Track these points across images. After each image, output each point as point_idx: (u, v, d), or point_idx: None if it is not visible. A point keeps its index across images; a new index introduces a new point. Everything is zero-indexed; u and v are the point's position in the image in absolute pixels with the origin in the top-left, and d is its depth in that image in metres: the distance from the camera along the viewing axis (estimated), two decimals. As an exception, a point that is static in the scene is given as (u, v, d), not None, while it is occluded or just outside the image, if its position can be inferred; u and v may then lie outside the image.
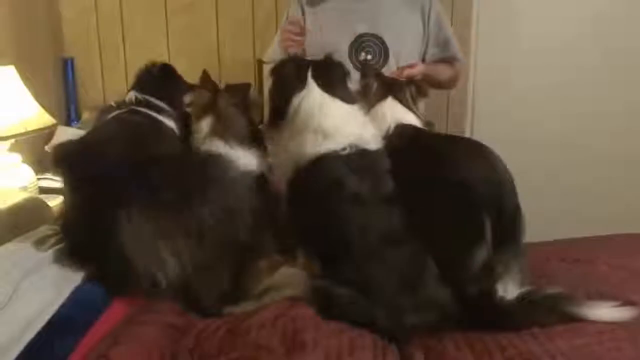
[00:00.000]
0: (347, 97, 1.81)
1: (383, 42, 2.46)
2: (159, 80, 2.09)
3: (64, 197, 1.78)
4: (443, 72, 2.54)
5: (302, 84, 1.77)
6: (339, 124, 1.71)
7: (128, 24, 3.42)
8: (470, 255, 1.56)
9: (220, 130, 1.82)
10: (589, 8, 3.23)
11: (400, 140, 1.81)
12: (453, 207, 1.60)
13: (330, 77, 1.81)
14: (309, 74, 1.78)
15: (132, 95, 2.03)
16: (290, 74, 1.81)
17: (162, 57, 3.37)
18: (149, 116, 1.94)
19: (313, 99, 1.75)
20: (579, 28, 3.24)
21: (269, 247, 1.70)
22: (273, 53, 2.55)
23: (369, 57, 2.44)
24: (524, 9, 3.29)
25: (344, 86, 1.85)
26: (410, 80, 2.15)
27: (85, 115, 3.36)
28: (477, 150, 1.76)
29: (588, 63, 3.25)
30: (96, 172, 1.61)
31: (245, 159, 1.76)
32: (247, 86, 2.08)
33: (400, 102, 1.99)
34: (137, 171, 1.61)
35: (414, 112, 2.02)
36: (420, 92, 2.10)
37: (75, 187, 1.66)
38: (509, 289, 1.55)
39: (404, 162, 1.70)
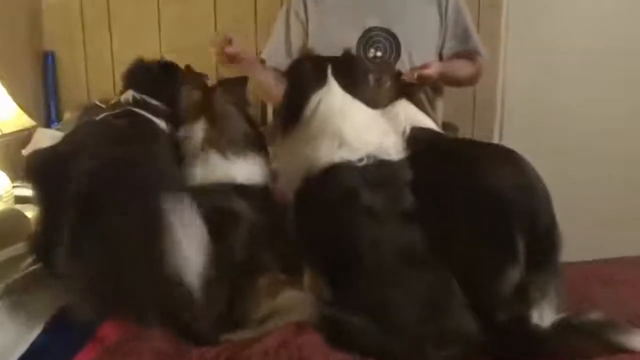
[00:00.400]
0: (369, 99, 1.79)
1: (394, 37, 2.45)
2: (160, 78, 2.04)
3: (38, 212, 1.75)
4: (463, 68, 2.52)
5: (321, 82, 1.76)
6: (359, 130, 1.69)
7: (116, 14, 3.43)
8: (500, 277, 1.54)
9: (216, 137, 1.80)
10: (623, 20, 3.26)
11: (417, 144, 1.80)
12: (479, 220, 1.59)
13: (352, 75, 1.80)
14: (329, 71, 1.77)
15: (129, 94, 1.98)
16: (308, 72, 1.80)
17: (153, 51, 3.39)
18: (145, 120, 1.90)
19: (333, 99, 1.74)
20: (613, 41, 3.26)
21: (270, 266, 1.68)
22: (274, 53, 2.57)
23: (379, 53, 2.44)
24: (555, 16, 3.32)
25: (366, 86, 1.84)
26: (425, 83, 2.14)
27: (67, 115, 3.36)
28: (506, 156, 1.74)
29: (624, 76, 3.28)
30: (71, 187, 1.60)
31: (244, 170, 1.75)
32: (244, 80, 2.04)
33: (416, 105, 1.98)
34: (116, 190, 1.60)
35: (431, 117, 2.01)
36: (436, 92, 2.09)
37: (48, 202, 1.65)
38: (544, 316, 1.53)
39: (422, 170, 1.69)
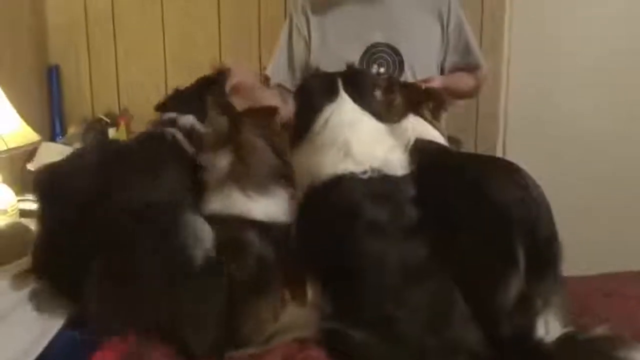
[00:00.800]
0: (377, 112, 1.81)
1: (398, 53, 2.46)
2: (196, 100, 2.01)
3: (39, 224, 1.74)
4: (464, 82, 2.55)
5: (333, 95, 1.77)
6: (365, 143, 1.70)
7: (120, 28, 3.45)
8: (502, 287, 1.53)
9: (241, 173, 1.72)
10: (627, 28, 3.26)
11: (422, 158, 1.80)
12: (480, 231, 1.59)
13: (361, 88, 1.82)
14: (340, 85, 1.78)
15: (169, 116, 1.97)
16: (319, 87, 1.82)
17: (157, 66, 3.42)
18: (172, 144, 1.87)
19: (345, 112, 1.75)
20: (617, 47, 3.26)
21: (275, 287, 1.67)
22: (277, 69, 2.59)
23: (382, 69, 2.45)
24: (559, 31, 3.32)
25: (374, 99, 1.85)
26: (428, 94, 2.15)
27: (72, 129, 3.38)
28: (507, 169, 1.75)
29: (628, 83, 3.27)
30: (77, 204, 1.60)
31: (264, 208, 1.73)
32: (273, 110, 1.93)
33: (422, 117, 1.99)
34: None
35: (437, 128, 2.01)
36: (440, 105, 2.10)
37: (55, 218, 1.66)
38: (550, 328, 1.53)
39: (426, 183, 1.70)
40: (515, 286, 1.53)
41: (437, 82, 2.29)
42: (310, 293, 1.66)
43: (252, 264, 1.63)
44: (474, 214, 1.61)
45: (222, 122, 1.83)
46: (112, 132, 3.29)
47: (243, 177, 1.72)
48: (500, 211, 1.58)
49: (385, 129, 1.80)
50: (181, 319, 1.55)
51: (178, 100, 2.03)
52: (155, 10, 3.40)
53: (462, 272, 1.55)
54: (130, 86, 3.48)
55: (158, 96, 3.38)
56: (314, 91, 1.83)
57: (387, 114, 1.90)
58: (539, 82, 3.30)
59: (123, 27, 3.44)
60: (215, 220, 1.68)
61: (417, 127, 1.94)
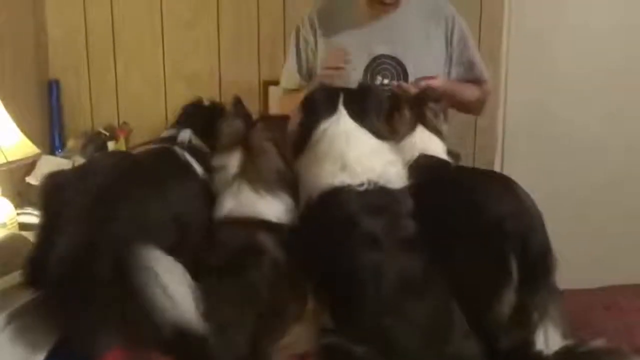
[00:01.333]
0: (378, 130, 1.82)
1: (401, 65, 2.47)
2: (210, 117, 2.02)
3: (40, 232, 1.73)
4: (468, 91, 2.55)
5: (332, 110, 1.79)
6: (362, 157, 1.71)
7: (120, 42, 3.46)
8: (497, 300, 1.54)
9: (251, 171, 1.77)
10: (625, 41, 3.27)
11: (421, 172, 1.81)
12: (475, 245, 1.60)
13: (363, 106, 1.83)
14: (340, 100, 1.80)
15: (186, 134, 1.98)
16: (320, 101, 1.84)
17: (157, 79, 3.43)
18: (178, 162, 1.88)
19: (341, 127, 1.77)
20: (615, 58, 3.27)
21: (291, 303, 1.66)
22: (290, 81, 2.62)
23: (386, 80, 2.46)
24: (557, 42, 3.33)
25: (377, 118, 1.86)
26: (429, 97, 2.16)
27: (71, 143, 3.38)
28: (501, 183, 1.77)
29: (626, 94, 3.28)
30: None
31: (273, 208, 1.74)
32: (285, 121, 2.05)
33: (429, 126, 2.00)
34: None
35: (440, 134, 2.02)
36: (438, 100, 2.12)
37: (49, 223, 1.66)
38: (550, 340, 1.53)
39: (424, 197, 1.70)
40: (509, 299, 1.54)
41: (438, 81, 2.30)
42: (311, 302, 1.66)
43: (270, 270, 1.63)
44: (469, 228, 1.62)
45: (237, 124, 1.87)
46: (111, 145, 3.29)
47: (253, 175, 1.76)
48: (494, 225, 1.60)
49: (384, 145, 1.80)
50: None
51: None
52: (155, 23, 3.41)
53: (458, 285, 1.56)
54: (130, 99, 3.49)
55: (158, 109, 3.44)
56: (316, 104, 1.84)
57: (393, 132, 1.91)
58: (537, 96, 3.31)
59: (122, 41, 3.45)
60: (229, 223, 1.70)
61: (423, 141, 1.97)
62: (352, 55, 2.42)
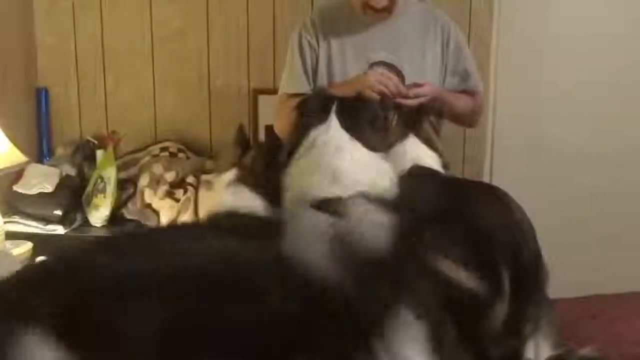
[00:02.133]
0: (368, 142, 1.79)
1: (399, 73, 2.48)
2: None
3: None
4: (461, 101, 2.54)
5: (323, 118, 1.77)
6: (352, 169, 1.70)
7: (109, 50, 3.45)
8: (488, 313, 1.54)
9: (246, 179, 1.79)
10: (613, 54, 3.29)
11: (410, 182, 1.81)
12: (465, 255, 1.60)
13: (356, 116, 1.81)
14: (334, 109, 1.79)
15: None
16: (314, 107, 1.82)
17: (146, 87, 3.43)
18: None
19: (331, 136, 1.74)
20: (604, 75, 3.29)
21: None
22: (297, 85, 2.56)
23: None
24: (544, 55, 3.35)
25: (370, 129, 1.83)
26: (426, 107, 2.16)
27: (60, 151, 3.38)
28: (492, 195, 1.78)
29: (615, 110, 3.30)
30: None
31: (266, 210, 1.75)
32: (279, 147, 2.05)
33: (422, 137, 2.00)
34: None
35: (436, 147, 2.02)
36: (440, 114, 2.11)
37: None
38: (540, 351, 1.53)
39: (413, 208, 1.70)
40: (501, 311, 1.54)
41: (428, 87, 2.30)
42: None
43: None
44: (458, 239, 1.61)
45: (236, 151, 1.89)
46: (100, 154, 3.29)
47: (248, 183, 1.77)
48: (484, 236, 1.60)
49: (375, 156, 1.80)
50: None
51: None
52: (145, 31, 3.41)
53: (449, 296, 1.56)
54: (119, 108, 3.48)
55: (147, 118, 3.44)
56: (309, 111, 1.83)
57: (383, 140, 1.90)
58: (526, 107, 3.33)
59: (112, 49, 3.45)
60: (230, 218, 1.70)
61: (414, 151, 1.96)
62: (344, 61, 2.45)
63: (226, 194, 1.78)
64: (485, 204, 1.71)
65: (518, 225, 1.65)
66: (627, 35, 3.28)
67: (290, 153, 1.79)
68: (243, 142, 1.93)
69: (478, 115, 2.69)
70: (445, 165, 2.29)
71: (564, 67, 3.32)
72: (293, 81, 2.58)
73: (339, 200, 1.62)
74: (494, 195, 1.75)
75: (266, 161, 1.87)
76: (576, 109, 3.30)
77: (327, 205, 1.61)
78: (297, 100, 2.24)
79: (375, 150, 1.79)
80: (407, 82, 2.45)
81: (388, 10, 2.47)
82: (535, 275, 1.62)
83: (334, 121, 1.76)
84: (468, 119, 2.68)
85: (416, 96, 2.23)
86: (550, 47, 3.32)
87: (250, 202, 1.74)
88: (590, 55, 3.28)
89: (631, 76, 3.29)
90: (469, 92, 2.59)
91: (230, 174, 1.82)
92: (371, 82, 2.25)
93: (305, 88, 2.54)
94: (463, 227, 1.63)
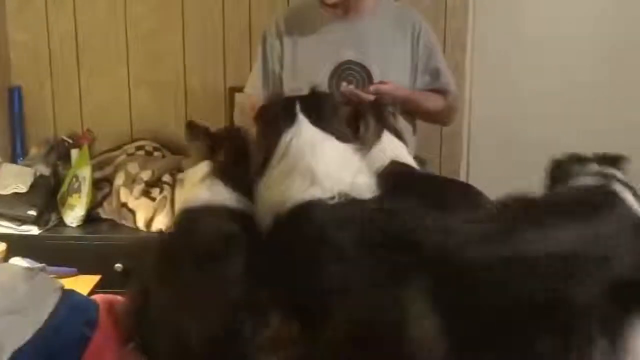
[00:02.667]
0: (341, 133, 1.79)
1: (367, 71, 2.49)
2: None
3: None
4: (431, 100, 2.56)
5: (291, 120, 1.74)
6: (331, 167, 1.68)
7: (84, 48, 3.42)
8: None
9: (221, 174, 1.79)
10: (586, 57, 3.34)
11: (388, 179, 1.81)
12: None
13: (321, 110, 1.79)
14: (297, 108, 1.76)
15: None
16: (278, 112, 1.80)
17: (121, 86, 3.41)
18: None
19: (304, 136, 1.72)
20: (579, 76, 3.34)
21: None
22: (255, 87, 2.63)
23: (351, 86, 2.47)
24: (519, 54, 3.39)
25: (337, 120, 1.83)
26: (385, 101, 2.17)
27: (34, 150, 3.34)
28: (464, 193, 1.80)
29: (589, 111, 3.34)
30: None
31: (242, 204, 1.75)
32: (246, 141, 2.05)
33: (391, 130, 2.01)
34: None
35: (400, 136, 2.03)
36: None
37: None
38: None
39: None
40: None
41: (389, 86, 2.33)
42: (275, 318, 1.65)
43: (242, 261, 1.63)
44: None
45: (201, 147, 1.88)
46: (74, 153, 3.26)
47: (224, 177, 1.77)
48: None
49: (351, 150, 1.79)
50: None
51: None
52: (119, 30, 3.38)
53: None
54: (94, 106, 3.45)
55: (122, 116, 3.42)
56: (273, 116, 1.81)
57: (360, 142, 1.90)
58: (501, 104, 3.36)
59: (86, 47, 3.42)
60: (204, 212, 1.71)
61: (391, 147, 1.96)
62: (312, 61, 2.47)
63: (201, 188, 1.77)
64: (457, 202, 1.72)
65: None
66: (601, 35, 3.33)
67: (263, 162, 1.77)
68: (201, 135, 1.92)
69: (451, 114, 2.70)
70: (423, 162, 2.31)
71: (539, 67, 3.35)
72: (252, 84, 2.65)
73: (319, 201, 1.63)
74: (466, 194, 1.76)
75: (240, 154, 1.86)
76: (551, 108, 3.34)
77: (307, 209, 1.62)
78: (254, 102, 2.26)
79: (348, 141, 1.78)
80: (375, 80, 2.47)
81: (344, 7, 2.48)
82: None
83: (302, 121, 1.75)
84: (441, 118, 2.70)
85: (376, 92, 2.25)
86: (525, 47, 3.36)
87: (227, 197, 1.75)
88: (566, 55, 3.33)
89: (604, 76, 3.34)
90: (440, 91, 2.61)
91: (204, 167, 1.82)
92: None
93: (261, 91, 2.58)
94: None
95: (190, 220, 1.73)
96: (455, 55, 3.21)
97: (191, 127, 1.95)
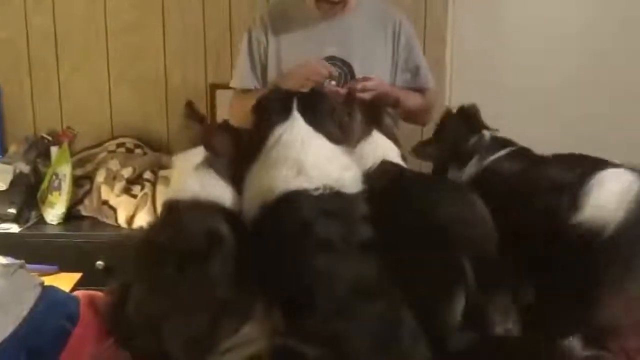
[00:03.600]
0: (332, 135, 1.81)
1: (350, 67, 2.51)
2: None
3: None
4: (411, 98, 2.56)
5: (286, 115, 1.77)
6: (318, 161, 1.70)
7: (63, 46, 3.40)
8: (447, 303, 1.57)
9: (214, 161, 1.78)
10: (566, 53, 3.36)
11: (381, 180, 1.83)
12: (427, 251, 1.61)
13: (317, 111, 1.82)
14: (294, 106, 1.79)
15: None
16: (274, 106, 1.82)
17: (101, 82, 3.39)
18: None
19: (296, 132, 1.75)
20: (558, 73, 3.35)
21: (245, 297, 1.66)
22: (243, 81, 2.62)
23: (333, 82, 2.47)
24: (503, 48, 3.40)
25: (331, 122, 1.85)
26: (381, 101, 2.18)
27: (13, 148, 3.31)
28: (452, 189, 1.81)
29: (572, 110, 3.36)
30: None
31: (232, 199, 1.75)
32: (240, 132, 2.04)
33: (385, 132, 2.01)
34: None
35: (399, 144, 2.04)
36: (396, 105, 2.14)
37: None
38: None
39: (377, 201, 1.72)
40: (460, 302, 1.56)
41: (375, 82, 2.32)
42: (259, 307, 1.66)
43: (229, 259, 1.63)
44: (420, 233, 1.63)
45: (196, 127, 1.87)
46: (54, 151, 3.23)
47: (216, 164, 1.77)
48: (445, 229, 1.62)
49: (340, 150, 1.80)
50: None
51: None
52: (99, 26, 3.37)
53: (410, 290, 1.57)
54: (74, 103, 3.44)
55: (102, 113, 3.40)
56: (269, 110, 1.83)
57: (348, 137, 1.91)
58: (481, 102, 3.37)
59: (66, 44, 3.40)
60: (192, 207, 1.70)
61: (380, 146, 1.97)
62: (296, 57, 2.45)
63: (192, 177, 1.76)
64: (446, 198, 1.74)
65: (479, 220, 1.67)
66: (581, 31, 3.35)
67: (253, 152, 1.78)
68: (197, 117, 1.91)
69: (430, 113, 2.68)
70: (404, 158, 2.31)
71: (519, 63, 3.37)
72: (240, 77, 2.63)
73: (304, 192, 1.64)
74: (456, 190, 1.77)
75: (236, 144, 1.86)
76: (531, 104, 3.36)
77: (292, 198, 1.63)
78: (249, 98, 2.25)
79: (338, 143, 1.81)
80: (358, 76, 2.47)
81: (343, 4, 2.49)
82: (499, 267, 1.64)
83: (297, 118, 1.77)
84: (420, 117, 2.68)
85: (363, 89, 2.25)
86: (505, 42, 3.38)
87: (219, 190, 1.75)
88: (546, 51, 3.35)
89: (585, 72, 3.36)
90: (419, 89, 2.62)
91: (198, 155, 1.79)
92: (314, 71, 2.33)
93: (251, 84, 2.59)
94: (423, 221, 1.65)
95: (176, 214, 1.71)
96: (435, 51, 3.22)
97: (191, 107, 1.94)
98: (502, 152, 2.04)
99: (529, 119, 3.35)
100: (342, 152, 1.80)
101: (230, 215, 1.71)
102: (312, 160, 1.70)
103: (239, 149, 1.85)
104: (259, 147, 1.76)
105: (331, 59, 2.50)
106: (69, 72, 3.42)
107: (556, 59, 3.35)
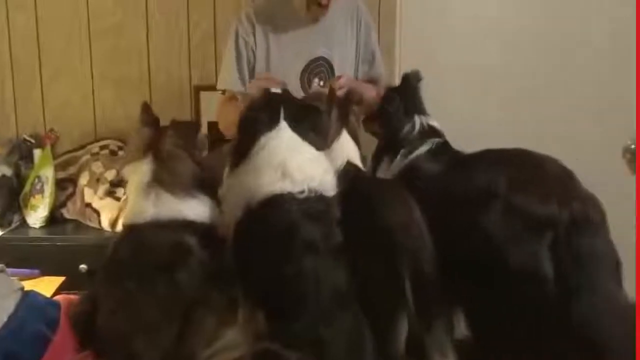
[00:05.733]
0: (318, 144, 1.81)
1: (331, 66, 2.53)
2: None
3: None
4: (368, 90, 2.52)
5: (273, 124, 1.77)
6: (302, 165, 1.71)
7: (45, 47, 3.39)
8: (392, 325, 1.53)
9: (165, 177, 1.74)
10: (521, 35, 3.35)
11: (343, 181, 1.82)
12: (376, 260, 1.60)
13: (302, 121, 1.82)
14: (282, 114, 1.79)
15: None
16: (262, 114, 1.81)
17: (84, 84, 3.37)
18: None
19: (282, 140, 1.75)
20: (509, 56, 3.35)
21: (218, 302, 1.65)
22: (229, 82, 2.59)
23: (322, 83, 2.48)
24: (452, 32, 3.39)
25: (317, 132, 1.85)
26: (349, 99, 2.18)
27: (-4, 152, 3.30)
28: (396, 192, 1.80)
29: (520, 94, 3.36)
30: None
31: (195, 208, 1.74)
32: (196, 126, 2.02)
33: (350, 131, 2.01)
34: None
35: (357, 140, 2.04)
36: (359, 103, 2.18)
37: None
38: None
39: (342, 207, 1.71)
40: (403, 325, 1.53)
41: (343, 79, 2.32)
42: (242, 310, 1.65)
43: (197, 270, 1.62)
44: (367, 239, 1.63)
45: (145, 132, 1.84)
46: (37, 153, 3.21)
47: (168, 180, 1.74)
48: (386, 236, 1.60)
49: (321, 154, 1.81)
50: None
51: None
52: (82, 27, 3.36)
53: (363, 305, 1.56)
54: (57, 105, 3.43)
55: (86, 115, 3.38)
56: (256, 118, 1.82)
57: (327, 141, 1.91)
58: (430, 89, 3.38)
59: (48, 45, 3.39)
60: (154, 226, 1.68)
61: (347, 147, 1.97)
62: (284, 57, 2.48)
63: (145, 201, 1.73)
64: (391, 203, 1.73)
65: (420, 229, 1.66)
66: (528, 16, 3.36)
67: (238, 157, 1.77)
68: (151, 122, 1.87)
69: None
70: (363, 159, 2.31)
71: (468, 48, 3.36)
72: (228, 78, 2.61)
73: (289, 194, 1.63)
74: (398, 193, 1.77)
75: (183, 142, 1.81)
76: (482, 90, 3.36)
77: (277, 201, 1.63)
78: (235, 103, 2.24)
79: (321, 149, 1.82)
80: (337, 74, 2.48)
81: (327, 7, 2.49)
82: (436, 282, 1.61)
83: (284, 127, 1.77)
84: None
85: (339, 87, 2.24)
86: (454, 27, 3.37)
87: (175, 207, 1.72)
88: (494, 38, 3.35)
89: (532, 57, 3.36)
90: (373, 81, 2.62)
91: (145, 166, 1.76)
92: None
93: (238, 86, 2.56)
94: (370, 227, 1.65)
95: (137, 232, 1.70)
96: (386, 37, 3.20)
97: (146, 109, 1.90)
98: (424, 148, 2.06)
99: (480, 103, 3.36)
100: (323, 156, 1.81)
101: (195, 226, 1.71)
102: (297, 163, 1.71)
103: (193, 152, 1.83)
104: (244, 151, 1.76)
105: (318, 60, 2.53)
106: (52, 74, 3.41)
107: (504, 44, 3.35)
